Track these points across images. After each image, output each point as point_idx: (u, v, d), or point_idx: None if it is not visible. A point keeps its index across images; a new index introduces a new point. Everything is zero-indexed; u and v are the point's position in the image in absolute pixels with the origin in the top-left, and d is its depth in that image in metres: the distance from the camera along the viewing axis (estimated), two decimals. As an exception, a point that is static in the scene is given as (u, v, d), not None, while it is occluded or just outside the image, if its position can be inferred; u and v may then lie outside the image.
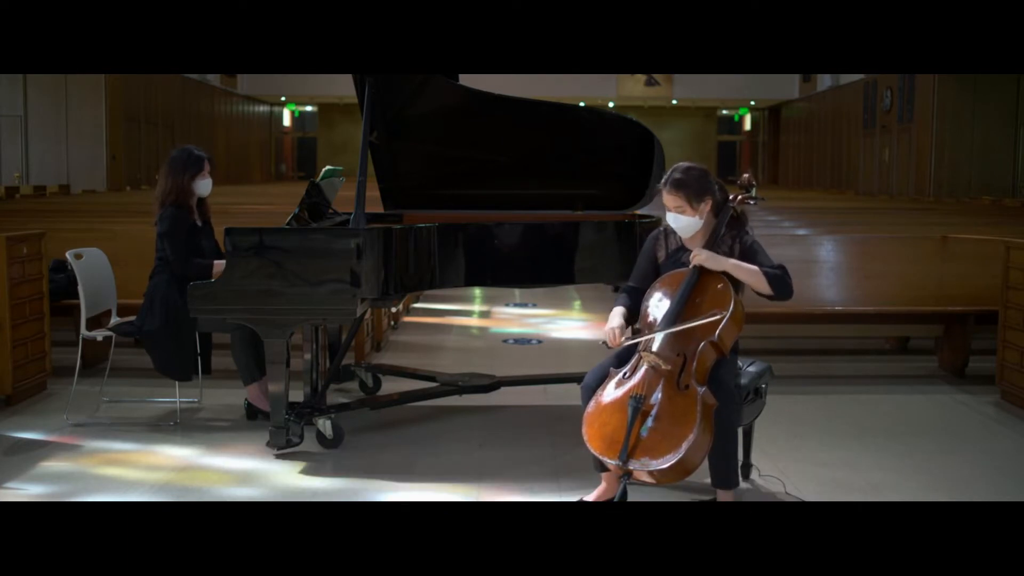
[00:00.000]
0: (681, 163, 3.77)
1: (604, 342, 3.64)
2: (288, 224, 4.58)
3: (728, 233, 3.73)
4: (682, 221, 3.70)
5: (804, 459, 4.35)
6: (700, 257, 3.60)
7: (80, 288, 4.83)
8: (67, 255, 4.92)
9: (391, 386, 5.44)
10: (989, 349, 5.77)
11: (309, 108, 29.94)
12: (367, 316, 6.00)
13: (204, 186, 4.85)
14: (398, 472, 4.15)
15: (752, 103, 28.59)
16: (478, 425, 4.88)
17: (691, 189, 3.66)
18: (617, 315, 3.72)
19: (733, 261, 3.62)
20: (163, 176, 4.81)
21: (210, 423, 4.91)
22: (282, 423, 4.30)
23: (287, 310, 4.19)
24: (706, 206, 3.69)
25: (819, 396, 5.51)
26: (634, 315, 3.78)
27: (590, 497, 3.70)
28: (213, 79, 23.65)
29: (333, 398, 5.22)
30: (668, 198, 3.69)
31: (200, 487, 3.98)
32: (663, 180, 3.73)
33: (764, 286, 3.60)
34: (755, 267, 3.61)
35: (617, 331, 3.62)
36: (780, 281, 3.60)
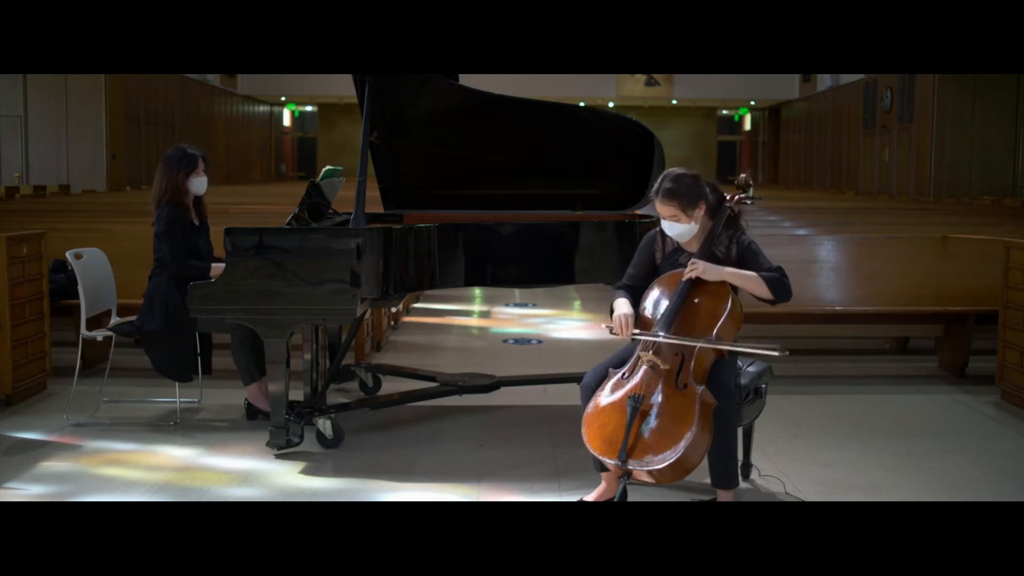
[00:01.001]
0: (671, 170, 3.70)
1: (610, 329, 3.60)
2: (288, 224, 4.58)
3: (725, 233, 3.72)
4: (678, 228, 3.66)
5: (804, 459, 4.35)
6: (697, 270, 3.56)
7: (80, 288, 4.83)
8: (67, 255, 4.92)
9: (391, 386, 5.44)
10: (989, 349, 5.77)
11: (309, 108, 29.93)
12: (367, 316, 6.00)
13: (199, 184, 4.83)
14: (398, 472, 4.15)
15: (752, 103, 28.58)
16: (478, 425, 4.88)
17: (684, 198, 3.61)
18: (625, 304, 3.67)
19: (730, 270, 3.59)
20: (159, 175, 4.80)
21: (210, 423, 4.91)
22: (282, 423, 4.30)
23: (287, 310, 4.19)
24: (700, 211, 3.65)
25: (819, 396, 5.51)
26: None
27: (590, 497, 3.70)
28: (213, 79, 23.64)
29: (333, 398, 5.22)
30: (661, 207, 3.64)
31: (200, 487, 3.98)
32: (654, 189, 3.66)
33: (764, 291, 3.58)
34: (753, 273, 3.59)
35: (631, 319, 3.58)
36: (779, 284, 3.58)
